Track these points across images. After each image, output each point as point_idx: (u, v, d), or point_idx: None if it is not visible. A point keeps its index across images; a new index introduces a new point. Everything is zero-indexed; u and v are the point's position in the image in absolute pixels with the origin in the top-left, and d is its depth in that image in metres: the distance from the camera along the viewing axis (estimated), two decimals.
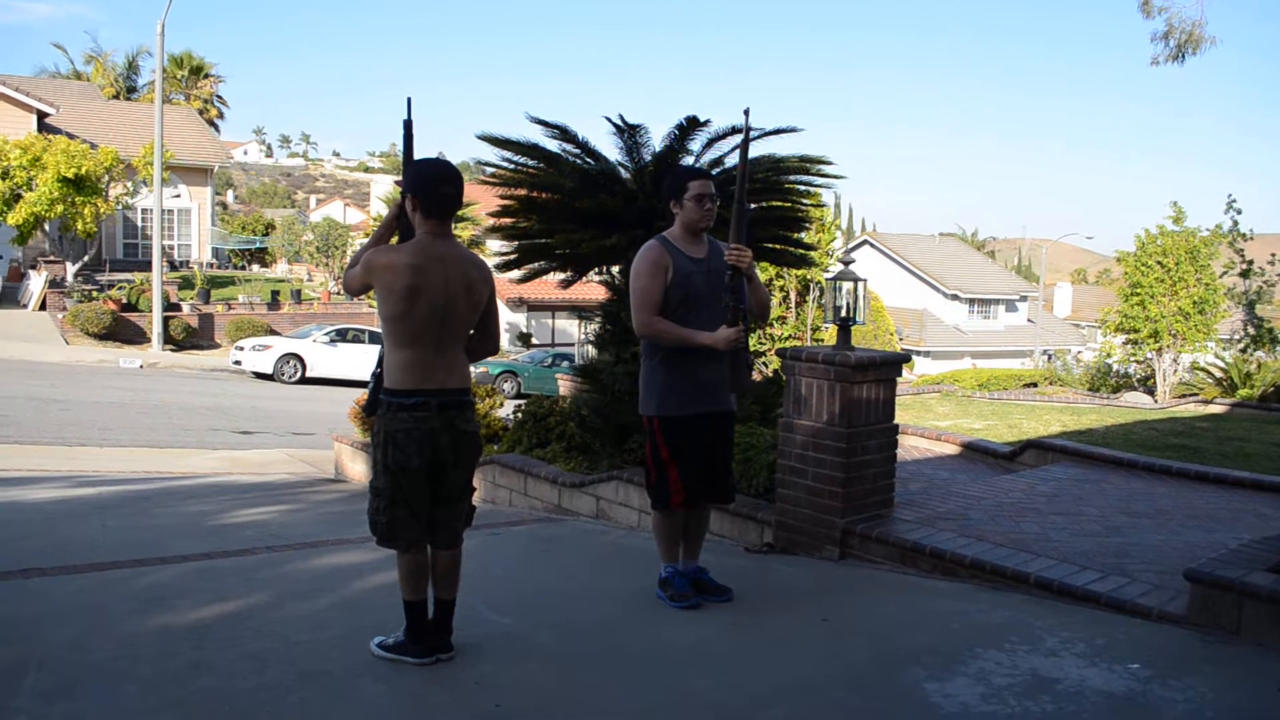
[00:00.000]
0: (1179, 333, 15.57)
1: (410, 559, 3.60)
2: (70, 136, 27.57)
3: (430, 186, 3.50)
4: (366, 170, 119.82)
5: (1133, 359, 16.60)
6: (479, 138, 7.58)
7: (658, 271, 4.24)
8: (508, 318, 37.70)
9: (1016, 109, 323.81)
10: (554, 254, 8.00)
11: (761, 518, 5.75)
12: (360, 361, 22.71)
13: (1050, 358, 27.37)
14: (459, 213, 3.58)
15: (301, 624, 4.09)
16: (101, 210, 26.39)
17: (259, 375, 23.10)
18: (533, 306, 37.20)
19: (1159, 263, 15.87)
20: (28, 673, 3.41)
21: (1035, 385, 17.11)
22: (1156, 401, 14.40)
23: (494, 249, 27.48)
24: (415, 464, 3.49)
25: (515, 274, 8.41)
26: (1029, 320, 49.76)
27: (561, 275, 8.36)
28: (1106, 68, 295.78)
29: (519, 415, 8.64)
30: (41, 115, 31.33)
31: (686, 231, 4.33)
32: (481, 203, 27.46)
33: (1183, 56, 10.52)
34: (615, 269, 7.95)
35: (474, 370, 23.90)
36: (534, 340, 35.97)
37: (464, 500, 3.68)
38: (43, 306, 26.93)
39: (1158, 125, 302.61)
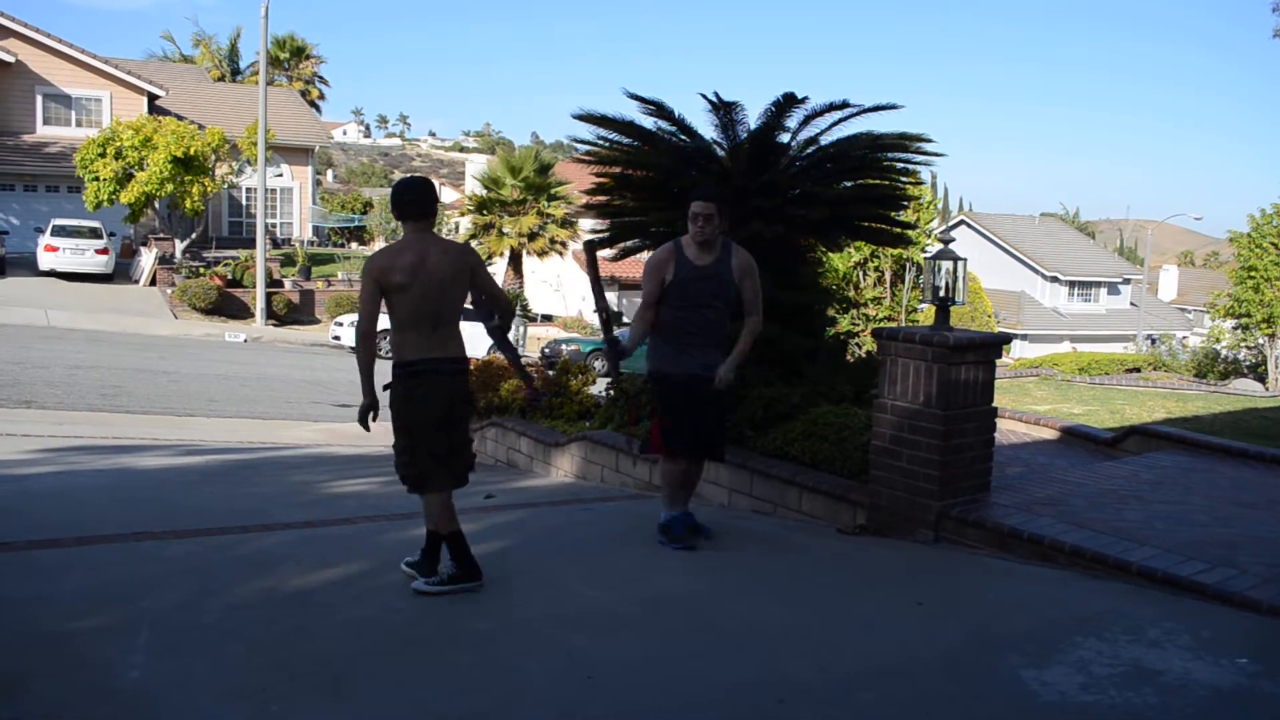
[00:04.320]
0: None
1: (440, 499, 4.21)
2: (179, 118, 28.40)
3: (395, 198, 4.29)
4: (461, 150, 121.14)
5: (1243, 344, 16.03)
6: (575, 116, 7.58)
7: (655, 274, 4.91)
8: None
9: (1122, 87, 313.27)
10: (648, 232, 7.98)
11: (854, 499, 5.69)
12: None
13: (1154, 342, 26.55)
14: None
15: (399, 592, 4.19)
16: (208, 189, 27.18)
17: None
18: (624, 285, 37.23)
19: (1274, 244, 15.26)
20: (140, 631, 3.56)
21: (1138, 370, 16.62)
22: (1268, 389, 13.86)
23: (587, 227, 27.62)
24: (434, 418, 4.17)
25: (608, 252, 8.42)
26: (1132, 304, 48.21)
27: None
28: (1219, 43, 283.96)
29: (610, 393, 8.68)
30: (152, 97, 32.41)
31: (693, 239, 4.88)
32: (575, 181, 27.61)
33: None
34: None
35: (565, 349, 24.13)
36: (624, 319, 36.08)
37: (469, 447, 4.40)
38: (153, 282, 27.90)
39: (1274, 101, 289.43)
